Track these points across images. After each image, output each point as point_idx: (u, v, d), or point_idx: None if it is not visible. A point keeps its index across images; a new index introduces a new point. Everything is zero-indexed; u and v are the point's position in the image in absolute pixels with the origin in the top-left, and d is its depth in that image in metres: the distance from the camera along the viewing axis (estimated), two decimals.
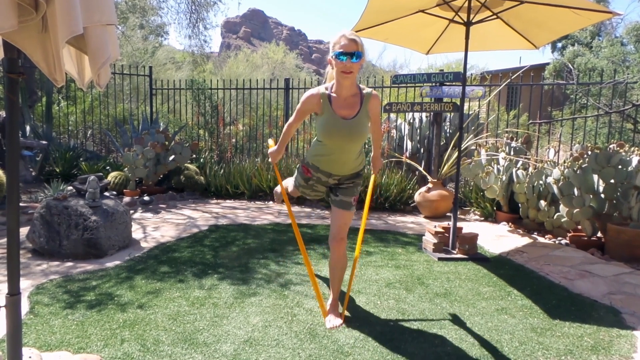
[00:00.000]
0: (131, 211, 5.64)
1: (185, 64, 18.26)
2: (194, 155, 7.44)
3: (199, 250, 4.21)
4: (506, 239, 4.95)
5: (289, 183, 3.19)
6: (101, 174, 5.03)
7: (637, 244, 4.16)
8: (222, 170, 7.21)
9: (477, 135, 6.64)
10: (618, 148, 4.64)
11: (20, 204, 5.05)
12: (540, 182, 5.08)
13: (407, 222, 5.72)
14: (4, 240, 3.64)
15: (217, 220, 5.50)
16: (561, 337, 2.66)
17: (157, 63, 15.31)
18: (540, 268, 3.93)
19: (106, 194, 4.94)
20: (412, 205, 6.37)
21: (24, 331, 2.52)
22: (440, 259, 4.10)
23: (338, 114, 2.59)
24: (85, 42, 1.70)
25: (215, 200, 6.87)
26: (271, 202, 6.73)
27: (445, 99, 6.65)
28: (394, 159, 6.83)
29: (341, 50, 2.46)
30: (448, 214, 6.06)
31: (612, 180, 4.48)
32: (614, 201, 4.55)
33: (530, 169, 5.26)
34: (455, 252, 4.26)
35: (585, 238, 4.66)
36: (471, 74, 11.69)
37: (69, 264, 3.78)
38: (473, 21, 4.15)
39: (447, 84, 6.52)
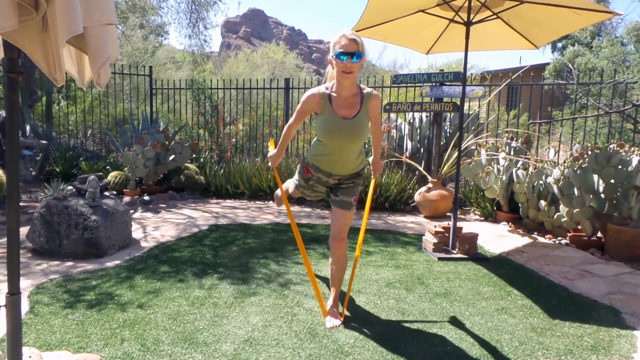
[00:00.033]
0: (131, 211, 5.64)
1: (185, 63, 18.26)
2: (194, 155, 7.44)
3: (199, 249, 4.22)
4: (506, 238, 4.95)
5: (289, 184, 3.19)
6: (101, 173, 5.03)
7: (637, 244, 4.16)
8: (222, 170, 7.21)
9: (477, 135, 6.64)
10: (618, 148, 4.64)
11: (20, 204, 5.06)
12: (541, 182, 5.08)
13: (407, 221, 5.73)
14: (4, 239, 3.64)
15: (217, 220, 5.50)
16: (561, 337, 2.66)
17: (157, 63, 15.31)
18: (540, 268, 3.93)
19: (106, 193, 4.94)
20: (412, 205, 6.37)
21: (24, 331, 2.52)
22: (440, 258, 4.10)
23: (338, 114, 2.59)
24: (85, 41, 1.70)
25: (215, 200, 6.87)
26: (271, 202, 6.73)
27: (445, 99, 6.65)
28: (394, 159, 6.82)
29: (342, 50, 2.46)
30: (448, 213, 6.06)
31: (612, 180, 4.48)
32: (614, 201, 4.55)
33: (531, 169, 5.26)
34: (455, 252, 4.26)
35: (585, 238, 4.66)
36: (471, 74, 11.69)
37: (69, 263, 3.78)
38: (473, 21, 4.15)
39: (447, 83, 6.52)
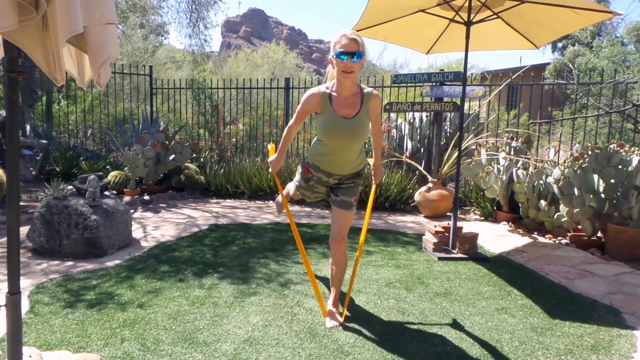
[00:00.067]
0: (131, 210, 5.64)
1: (185, 63, 18.26)
2: (194, 155, 7.44)
3: (199, 249, 4.21)
4: (506, 238, 4.95)
5: (290, 187, 3.18)
6: (101, 173, 5.02)
7: (637, 244, 4.16)
8: (222, 170, 7.21)
9: (477, 135, 6.64)
10: (618, 148, 4.64)
11: (21, 203, 5.06)
12: (541, 181, 5.08)
13: (407, 221, 5.73)
14: (4, 239, 3.64)
15: (217, 219, 5.50)
16: (561, 336, 2.66)
17: (158, 62, 15.31)
18: (541, 268, 3.93)
19: (106, 193, 4.94)
20: (412, 204, 6.37)
21: (24, 330, 2.52)
22: (440, 258, 4.10)
23: (338, 114, 2.58)
24: (86, 41, 1.70)
25: (216, 200, 6.87)
26: (271, 202, 6.73)
27: (445, 99, 6.65)
28: (394, 159, 6.82)
29: (342, 49, 2.46)
30: (448, 213, 6.06)
31: (613, 180, 4.48)
32: (614, 201, 4.55)
33: (531, 169, 5.26)
34: (455, 251, 4.26)
35: (586, 238, 4.66)
36: (471, 74, 11.69)
37: (69, 263, 3.78)
38: (473, 21, 4.15)
39: (448, 83, 6.52)
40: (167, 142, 6.80)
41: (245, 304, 2.99)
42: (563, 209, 4.79)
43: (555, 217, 4.88)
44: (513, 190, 5.36)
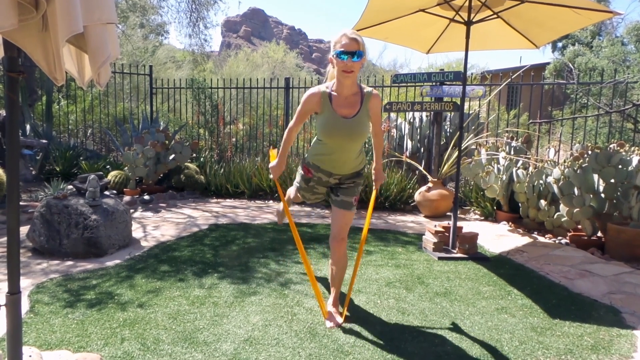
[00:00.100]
0: (131, 210, 5.64)
1: (185, 63, 18.25)
2: (194, 155, 7.44)
3: (199, 249, 4.22)
4: (506, 238, 4.95)
5: (290, 191, 3.18)
6: (101, 173, 5.03)
7: (637, 244, 4.16)
8: (222, 170, 7.21)
9: (477, 134, 6.64)
10: (618, 148, 4.64)
11: (21, 203, 5.06)
12: (541, 181, 5.08)
13: (407, 221, 5.72)
14: (4, 239, 3.63)
15: (217, 219, 5.50)
16: (561, 336, 2.66)
17: (158, 62, 15.30)
18: (541, 267, 3.93)
19: (106, 192, 4.94)
20: (412, 204, 6.37)
21: (24, 330, 2.52)
22: (440, 258, 4.10)
23: (338, 113, 2.58)
24: (86, 40, 1.70)
25: (216, 200, 6.87)
26: (271, 202, 6.74)
27: (445, 99, 6.65)
28: (394, 159, 6.82)
29: (342, 49, 2.46)
30: (448, 213, 6.06)
31: (613, 180, 4.48)
32: (614, 201, 4.55)
33: (531, 169, 5.26)
34: (455, 251, 4.26)
35: (586, 237, 4.66)
36: (471, 74, 11.68)
37: (69, 262, 3.78)
38: (473, 20, 4.15)
39: (448, 83, 6.51)
40: (167, 142, 6.79)
41: (245, 303, 2.99)
42: (563, 208, 4.79)
43: (555, 216, 4.88)
44: (513, 190, 5.36)
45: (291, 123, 2.77)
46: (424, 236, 4.49)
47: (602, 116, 8.40)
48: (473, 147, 6.35)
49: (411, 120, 7.31)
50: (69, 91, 9.79)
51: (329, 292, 2.93)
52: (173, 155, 6.70)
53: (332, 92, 2.61)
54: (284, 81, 7.99)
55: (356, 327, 2.69)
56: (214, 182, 7.04)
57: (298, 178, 2.95)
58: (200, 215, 5.70)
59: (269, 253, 4.13)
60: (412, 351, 2.43)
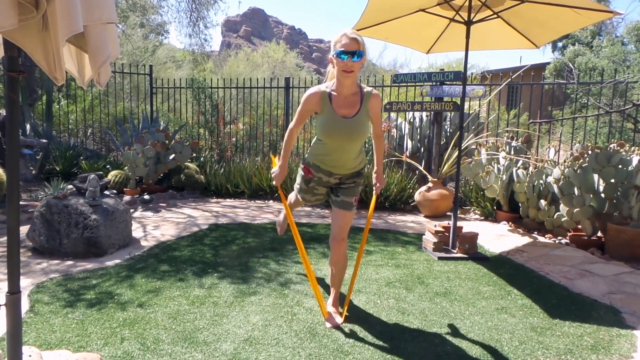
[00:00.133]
0: (131, 210, 5.64)
1: (185, 62, 18.25)
2: (194, 154, 7.44)
3: (199, 249, 4.22)
4: (506, 238, 4.95)
5: (291, 197, 3.17)
6: (101, 172, 5.03)
7: (637, 244, 4.16)
8: (222, 169, 7.21)
9: (477, 134, 6.64)
10: (618, 147, 4.64)
11: (21, 203, 5.06)
12: (541, 181, 5.08)
13: (407, 221, 5.72)
14: (4, 238, 3.64)
15: (217, 219, 5.50)
16: (561, 336, 2.66)
17: (158, 62, 15.30)
18: (540, 267, 3.93)
19: (106, 192, 4.93)
20: (412, 204, 6.37)
21: (24, 330, 2.52)
22: (440, 258, 4.10)
23: (338, 113, 2.58)
24: (86, 40, 1.70)
25: (216, 199, 6.87)
26: (271, 201, 6.74)
27: (445, 98, 6.65)
28: (394, 158, 6.82)
29: (342, 49, 2.45)
30: (448, 213, 6.06)
31: (613, 180, 4.48)
32: (614, 201, 4.55)
33: (531, 169, 5.26)
34: (455, 251, 4.26)
35: (586, 237, 4.66)
36: (472, 73, 11.69)
37: (69, 262, 3.78)
38: (474, 20, 4.15)
39: (448, 83, 6.51)
40: (167, 142, 6.79)
41: (245, 303, 2.99)
42: (563, 208, 4.79)
43: (555, 216, 4.88)
44: (513, 190, 5.36)
45: (292, 124, 2.77)
46: (424, 236, 4.49)
47: (602, 116, 8.40)
48: (473, 147, 6.35)
49: (411, 120, 7.31)
50: (69, 91, 9.79)
51: (329, 292, 2.93)
52: (173, 155, 6.70)
53: (332, 92, 2.61)
54: (284, 81, 7.99)
55: (356, 327, 2.69)
56: (214, 182, 7.04)
57: (298, 180, 2.95)
58: (200, 215, 5.70)
59: (269, 253, 4.13)
60: (412, 351, 2.43)
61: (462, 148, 5.14)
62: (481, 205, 5.99)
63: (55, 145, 7.35)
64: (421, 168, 6.57)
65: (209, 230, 4.92)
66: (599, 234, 4.69)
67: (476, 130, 6.74)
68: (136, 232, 4.73)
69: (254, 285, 3.31)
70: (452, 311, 2.97)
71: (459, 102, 6.32)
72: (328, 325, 2.68)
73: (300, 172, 2.92)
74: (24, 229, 4.16)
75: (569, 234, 4.83)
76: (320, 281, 3.43)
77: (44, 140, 7.08)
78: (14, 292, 1.82)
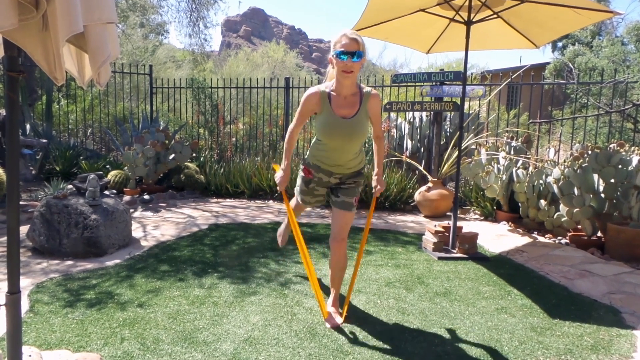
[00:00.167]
0: (131, 210, 5.64)
1: (185, 62, 18.25)
2: (194, 154, 7.44)
3: (199, 249, 4.21)
4: (506, 238, 4.95)
5: (292, 203, 3.17)
6: (101, 172, 5.02)
7: (637, 244, 4.16)
8: (222, 169, 7.21)
9: (477, 134, 6.64)
10: (618, 147, 4.64)
11: (20, 203, 5.05)
12: (541, 181, 5.08)
13: (407, 221, 5.72)
14: (4, 238, 3.64)
15: (217, 219, 5.50)
16: (561, 336, 2.66)
17: (158, 62, 15.30)
18: (540, 267, 3.93)
19: (106, 192, 4.93)
20: (412, 204, 6.37)
21: (24, 330, 2.52)
22: (440, 258, 4.10)
23: (337, 113, 2.58)
24: (86, 40, 1.70)
25: (215, 199, 6.87)
26: (271, 201, 6.73)
27: (445, 98, 6.65)
28: (394, 158, 6.82)
29: (342, 49, 2.45)
30: (448, 213, 6.06)
31: (612, 180, 4.48)
32: (614, 201, 4.55)
33: (531, 169, 5.26)
34: (455, 251, 4.26)
35: (585, 237, 4.66)
36: (471, 73, 11.68)
37: (69, 262, 3.78)
38: (473, 20, 4.15)
39: (448, 83, 6.51)
40: (167, 142, 6.79)
41: (245, 303, 2.99)
42: (563, 208, 4.79)
43: (555, 216, 4.88)
44: (513, 190, 5.36)
45: (292, 125, 2.77)
46: (424, 236, 4.49)
47: (602, 116, 8.40)
48: (473, 147, 6.35)
49: (411, 120, 7.31)
50: (69, 91, 9.78)
51: (329, 293, 2.93)
52: (173, 155, 6.70)
53: (332, 92, 2.61)
54: (284, 81, 7.99)
55: (356, 327, 2.69)
56: (214, 182, 7.04)
57: (299, 181, 2.95)
58: (200, 215, 5.70)
59: (269, 253, 4.13)
60: (412, 351, 2.43)
61: (462, 148, 5.15)
62: (481, 205, 5.99)
63: (55, 145, 7.35)
64: (421, 168, 6.57)
65: (209, 230, 4.92)
66: (599, 234, 4.70)
67: (476, 130, 6.74)
68: (136, 232, 4.73)
69: (254, 285, 3.31)
70: (452, 311, 2.97)
71: (458, 102, 6.32)
72: (328, 325, 2.68)
73: (300, 174, 2.92)
74: (23, 229, 4.16)
75: (569, 234, 4.84)
76: (320, 281, 3.43)
77: (44, 140, 7.08)
78: (13, 292, 1.82)
